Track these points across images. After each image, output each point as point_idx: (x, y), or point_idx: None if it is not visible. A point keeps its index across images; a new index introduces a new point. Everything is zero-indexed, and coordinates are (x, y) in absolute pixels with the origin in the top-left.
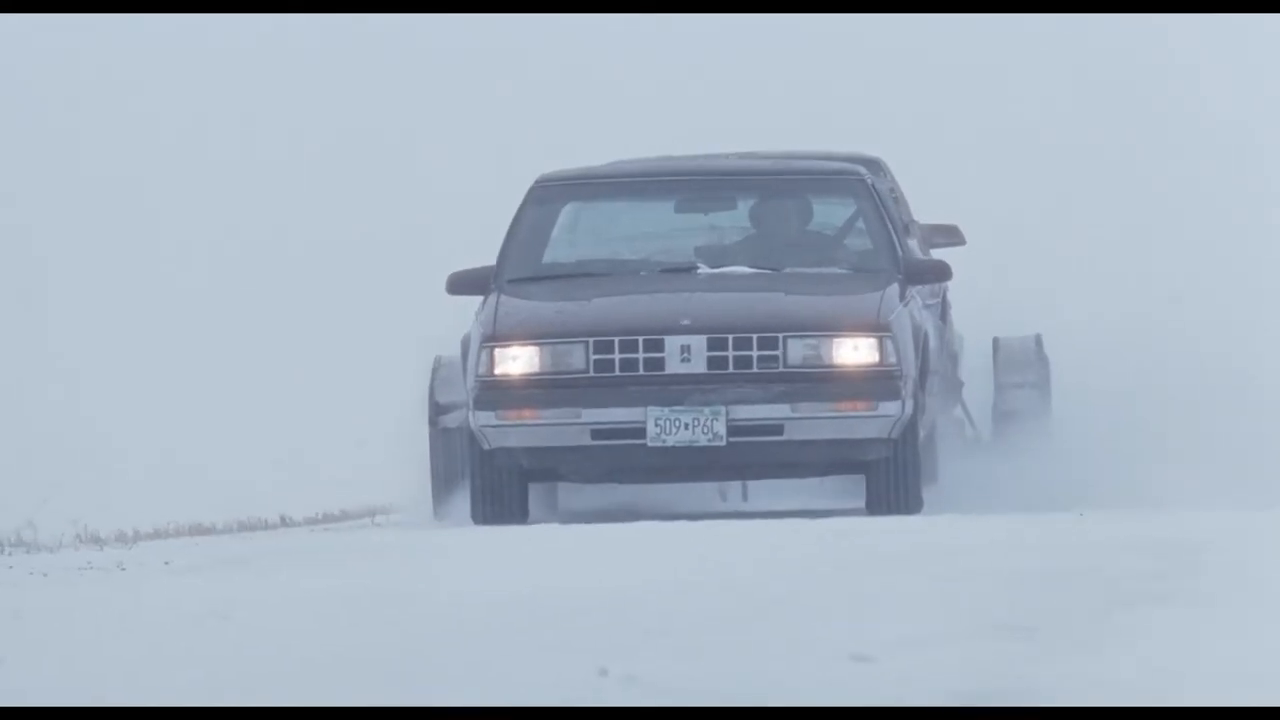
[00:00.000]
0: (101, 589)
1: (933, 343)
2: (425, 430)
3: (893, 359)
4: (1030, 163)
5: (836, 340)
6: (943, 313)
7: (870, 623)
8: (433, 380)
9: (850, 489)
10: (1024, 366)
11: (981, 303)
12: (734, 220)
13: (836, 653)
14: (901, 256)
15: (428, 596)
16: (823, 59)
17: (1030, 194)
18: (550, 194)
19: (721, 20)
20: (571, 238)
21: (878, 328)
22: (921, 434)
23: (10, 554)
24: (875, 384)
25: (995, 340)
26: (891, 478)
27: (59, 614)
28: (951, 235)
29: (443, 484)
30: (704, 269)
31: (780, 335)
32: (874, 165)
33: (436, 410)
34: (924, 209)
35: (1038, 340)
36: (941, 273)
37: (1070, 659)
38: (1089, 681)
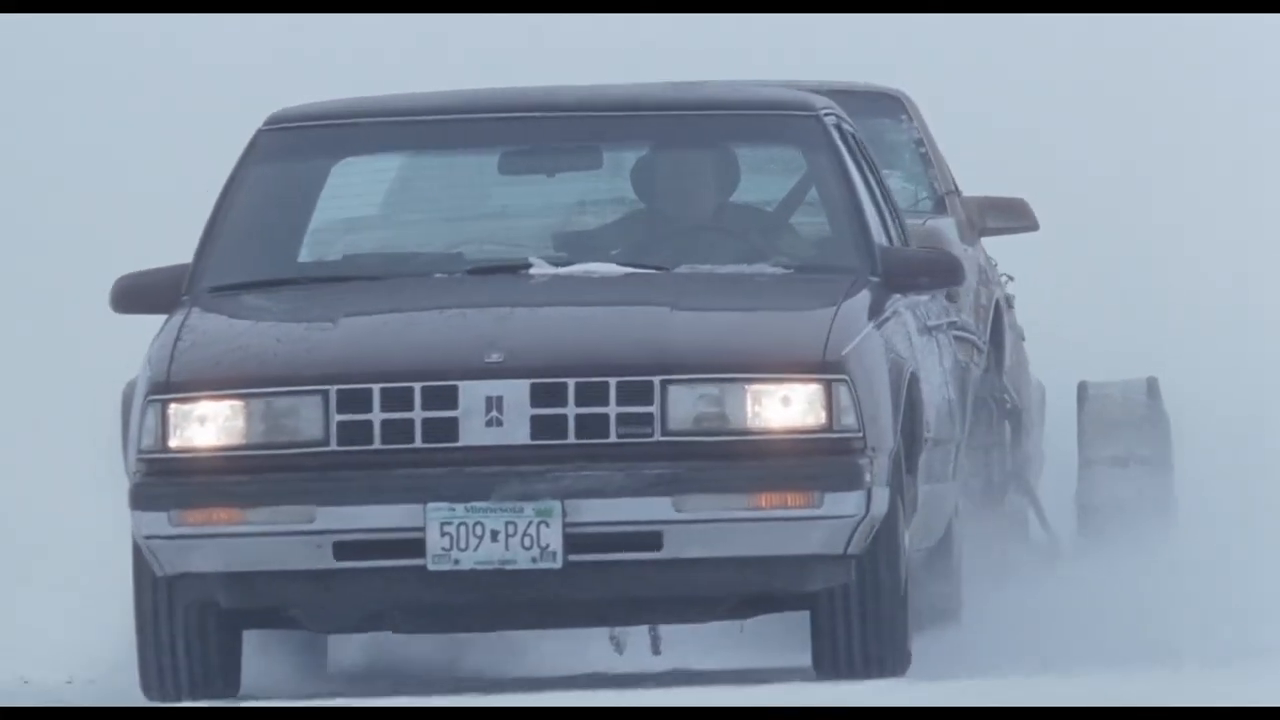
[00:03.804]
0: None
1: (937, 391)
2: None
3: (850, 420)
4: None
5: (752, 388)
6: (995, 337)
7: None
8: None
9: None
10: (1128, 429)
11: (1063, 328)
12: (616, 189)
13: None
14: (878, 246)
15: None
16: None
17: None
18: (289, 144)
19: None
20: (328, 219)
21: (823, 366)
22: (908, 543)
23: None
24: (819, 462)
25: (1082, 387)
26: (850, 619)
27: None
28: (1014, 215)
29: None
30: (541, 269)
31: (656, 380)
32: (892, 103)
33: None
34: (972, 177)
35: (1150, 387)
36: (945, 272)
37: None
38: None
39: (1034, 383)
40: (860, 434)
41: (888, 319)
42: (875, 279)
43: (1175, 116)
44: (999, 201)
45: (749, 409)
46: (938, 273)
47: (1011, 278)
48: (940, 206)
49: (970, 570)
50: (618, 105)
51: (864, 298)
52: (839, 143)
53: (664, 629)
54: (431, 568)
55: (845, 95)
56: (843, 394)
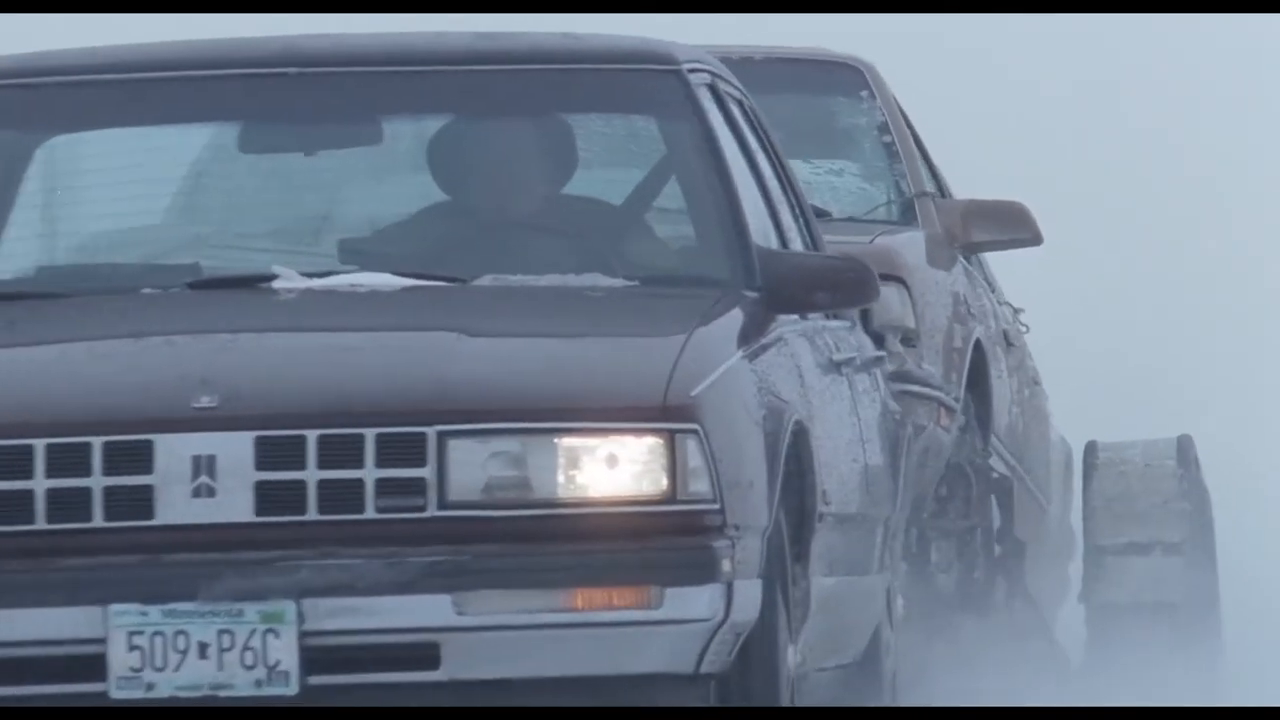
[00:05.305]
0: None
1: (844, 448)
2: None
3: (701, 485)
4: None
5: (565, 443)
6: (978, 387)
7: None
8: None
9: None
10: (1153, 505)
11: (1068, 370)
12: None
13: None
14: (757, 250)
15: None
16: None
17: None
18: None
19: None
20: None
21: (664, 412)
22: (795, 658)
23: None
24: (658, 545)
25: (1090, 449)
26: None
27: None
28: (1009, 224)
29: None
30: (289, 281)
31: (431, 431)
32: (849, 76)
33: None
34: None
35: (1182, 448)
36: (851, 287)
37: None
38: None
39: (1055, 441)
40: (716, 505)
41: (766, 348)
42: (753, 294)
43: (1214, 117)
44: (989, 206)
45: (560, 472)
46: (841, 286)
47: (1019, 309)
48: (910, 213)
49: (926, 696)
50: (405, 59)
51: (732, 319)
52: (709, 108)
53: None
54: (116, 695)
55: (788, 65)
56: (691, 450)
